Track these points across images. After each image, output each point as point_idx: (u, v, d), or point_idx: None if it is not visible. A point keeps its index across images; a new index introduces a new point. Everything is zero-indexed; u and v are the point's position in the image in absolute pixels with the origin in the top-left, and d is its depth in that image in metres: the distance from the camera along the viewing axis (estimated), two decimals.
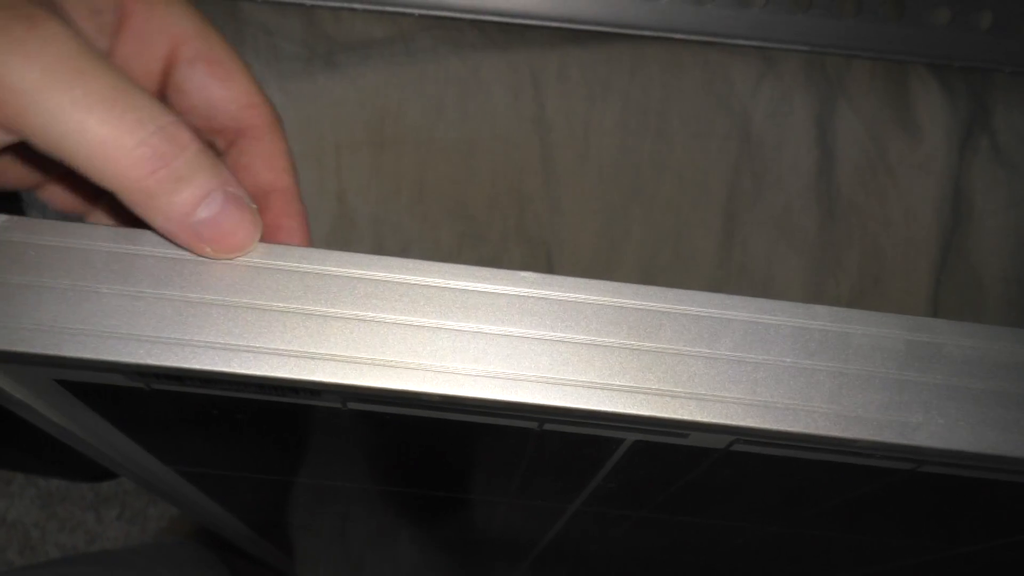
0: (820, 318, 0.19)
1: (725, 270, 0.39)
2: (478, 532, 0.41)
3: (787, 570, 0.41)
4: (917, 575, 0.37)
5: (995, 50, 0.40)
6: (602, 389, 0.18)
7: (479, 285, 0.18)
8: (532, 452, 0.23)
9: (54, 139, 0.17)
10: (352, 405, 0.20)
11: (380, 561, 0.57)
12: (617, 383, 0.18)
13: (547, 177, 0.37)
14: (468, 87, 0.36)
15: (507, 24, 0.37)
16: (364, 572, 0.63)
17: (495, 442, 0.23)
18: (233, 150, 0.22)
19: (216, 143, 0.22)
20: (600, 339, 0.18)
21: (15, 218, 0.18)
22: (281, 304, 0.18)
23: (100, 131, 0.17)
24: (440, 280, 0.18)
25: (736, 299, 0.19)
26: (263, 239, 0.19)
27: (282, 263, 0.18)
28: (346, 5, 0.36)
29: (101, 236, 0.18)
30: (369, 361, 0.18)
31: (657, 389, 0.18)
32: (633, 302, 0.19)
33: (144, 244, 0.18)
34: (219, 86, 0.21)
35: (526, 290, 0.18)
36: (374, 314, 0.18)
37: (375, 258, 0.18)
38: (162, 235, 0.19)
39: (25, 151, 0.20)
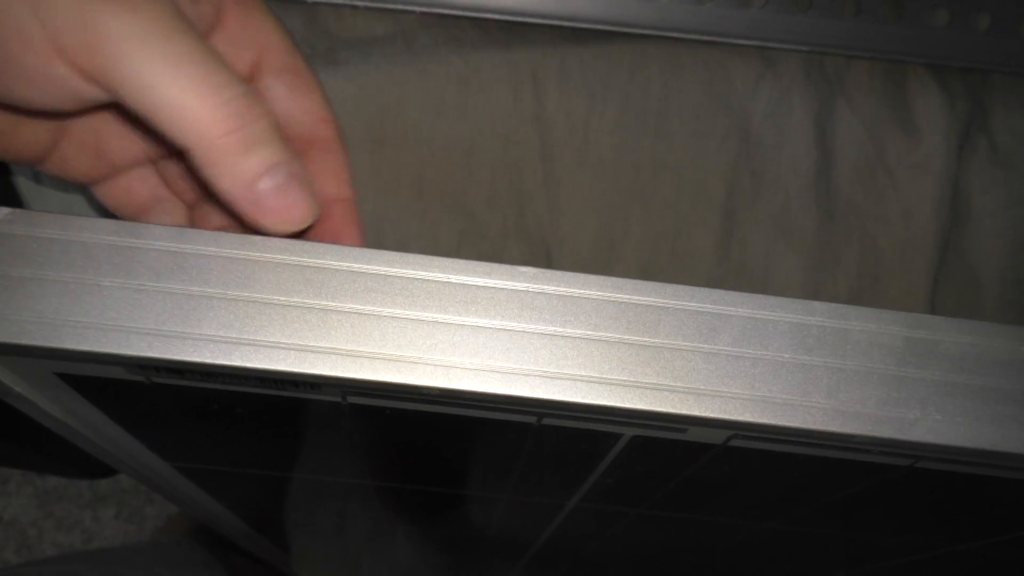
0: (818, 314, 0.19)
1: (724, 269, 0.39)
2: (476, 529, 0.41)
3: (785, 568, 0.41)
4: (914, 572, 0.37)
5: (993, 51, 0.40)
6: (601, 383, 0.18)
7: (478, 280, 0.18)
8: (531, 447, 0.23)
9: (141, 91, 0.18)
10: (352, 399, 0.20)
11: (378, 558, 0.57)
12: (616, 378, 0.18)
13: (547, 175, 0.38)
14: (468, 85, 0.36)
15: (508, 23, 0.37)
16: (362, 569, 0.63)
17: (494, 437, 0.23)
18: (308, 160, 0.23)
19: None
20: (599, 334, 0.18)
21: (17, 211, 0.18)
22: (281, 298, 0.18)
23: (187, 87, 0.18)
24: (440, 275, 0.18)
25: (734, 295, 0.19)
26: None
27: (283, 257, 0.18)
28: (348, 2, 0.36)
29: (102, 229, 0.18)
30: (369, 355, 0.18)
31: (655, 384, 0.18)
32: (632, 297, 0.19)
33: (145, 237, 0.18)
34: (300, 98, 0.23)
35: (525, 285, 0.19)
36: (374, 308, 0.18)
37: (375, 252, 0.19)
38: (226, 200, 0.20)
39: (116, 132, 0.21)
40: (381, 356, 0.18)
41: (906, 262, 0.40)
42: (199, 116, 0.18)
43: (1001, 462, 0.20)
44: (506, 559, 0.49)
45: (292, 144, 0.23)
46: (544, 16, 0.37)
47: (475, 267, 0.19)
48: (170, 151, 0.24)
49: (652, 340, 0.18)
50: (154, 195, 0.26)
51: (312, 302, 0.18)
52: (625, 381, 0.18)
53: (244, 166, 0.19)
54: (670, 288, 0.19)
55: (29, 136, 0.23)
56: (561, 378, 0.18)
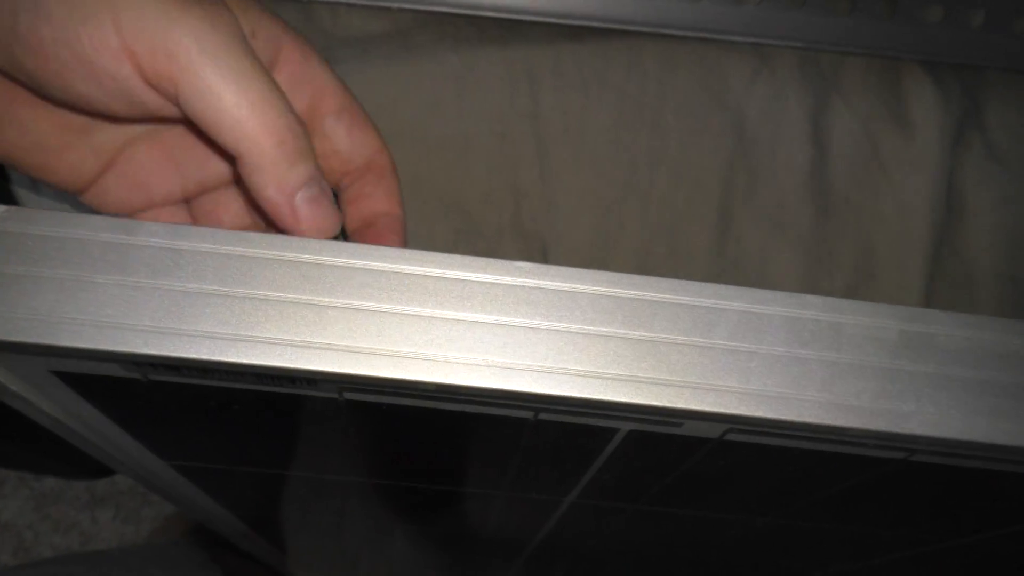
0: (813, 308, 0.19)
1: (719, 265, 0.39)
2: (474, 526, 0.41)
3: (781, 563, 0.41)
4: (910, 567, 0.37)
5: (987, 47, 0.40)
6: (597, 378, 0.18)
7: (475, 275, 0.19)
8: (527, 443, 0.23)
9: (208, 99, 0.20)
10: (348, 395, 0.20)
11: (376, 557, 0.57)
12: (612, 372, 0.18)
13: (542, 172, 0.38)
14: (464, 83, 0.36)
15: (504, 20, 0.37)
16: (360, 569, 0.63)
17: (491, 433, 0.23)
18: (359, 183, 0.26)
19: (341, 183, 0.27)
20: (595, 328, 0.18)
21: (12, 208, 0.18)
22: (278, 294, 0.18)
23: (250, 100, 0.20)
24: (436, 270, 0.19)
25: (730, 289, 0.19)
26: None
27: (279, 254, 0.18)
28: (343, 0, 0.36)
29: (98, 226, 0.18)
30: (365, 350, 0.18)
31: (651, 378, 0.18)
32: (628, 292, 0.19)
33: (141, 234, 0.18)
34: (359, 135, 0.26)
35: (521, 280, 0.19)
36: (371, 304, 0.18)
37: (371, 248, 0.19)
38: (268, 207, 0.22)
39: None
40: (377, 352, 0.18)
41: (901, 258, 0.40)
42: (257, 126, 0.21)
43: (996, 455, 0.20)
44: (504, 556, 0.49)
45: (350, 176, 0.26)
46: (540, 13, 0.37)
47: (471, 262, 0.19)
48: (206, 188, 0.27)
49: (648, 334, 0.18)
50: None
51: (308, 298, 0.18)
52: (621, 375, 0.18)
53: (289, 175, 0.21)
54: (666, 283, 0.19)
55: (76, 162, 0.25)
56: (558, 373, 0.18)
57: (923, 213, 0.40)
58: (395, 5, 0.37)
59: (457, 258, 0.19)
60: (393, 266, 0.18)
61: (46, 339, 0.17)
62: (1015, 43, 0.40)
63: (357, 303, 0.18)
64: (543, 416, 0.20)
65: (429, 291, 0.18)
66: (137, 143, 0.26)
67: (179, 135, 0.26)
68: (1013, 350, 0.19)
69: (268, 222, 0.24)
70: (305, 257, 0.18)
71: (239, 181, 0.26)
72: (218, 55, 0.20)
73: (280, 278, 0.18)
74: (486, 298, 0.18)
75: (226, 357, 0.17)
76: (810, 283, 0.40)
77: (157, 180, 0.26)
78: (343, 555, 0.59)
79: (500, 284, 0.18)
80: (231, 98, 0.20)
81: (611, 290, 0.19)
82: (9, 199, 0.36)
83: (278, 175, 0.21)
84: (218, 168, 0.26)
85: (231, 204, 0.27)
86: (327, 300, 0.18)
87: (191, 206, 0.28)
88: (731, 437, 0.20)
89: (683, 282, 0.19)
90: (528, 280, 0.19)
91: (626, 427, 0.21)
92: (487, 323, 0.18)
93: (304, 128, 0.22)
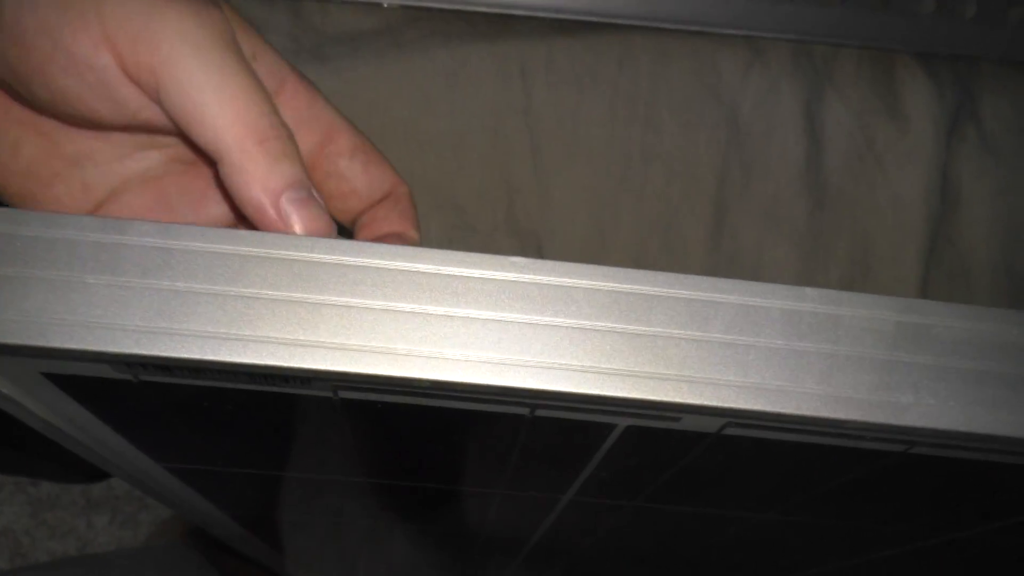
0: (810, 300, 0.19)
1: (715, 259, 0.39)
2: (472, 526, 0.41)
3: (780, 561, 0.41)
4: (911, 561, 0.37)
5: (980, 38, 0.40)
6: (594, 373, 0.18)
7: (469, 271, 0.18)
8: (524, 440, 0.23)
9: (188, 92, 0.20)
10: (343, 394, 0.20)
11: (374, 558, 0.57)
12: (608, 367, 0.18)
13: (536, 168, 0.37)
14: (456, 79, 0.36)
15: (495, 15, 0.37)
16: (358, 570, 0.63)
17: (487, 430, 0.23)
18: (373, 209, 0.26)
19: (360, 220, 0.27)
20: (591, 323, 0.18)
21: (1, 209, 0.18)
22: (270, 292, 0.18)
23: (232, 95, 0.20)
24: (430, 266, 0.18)
25: (726, 282, 0.19)
26: None
27: (270, 251, 0.18)
28: None
29: (87, 226, 0.18)
30: (359, 348, 0.18)
31: (649, 372, 0.18)
32: (624, 286, 0.18)
33: (131, 234, 0.18)
34: (375, 171, 0.26)
35: (516, 275, 0.18)
36: (363, 301, 0.18)
37: (364, 245, 0.18)
38: (251, 210, 0.21)
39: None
40: (371, 349, 0.18)
41: (897, 250, 0.40)
42: (237, 122, 0.20)
43: (996, 446, 0.20)
44: (503, 555, 0.49)
45: (368, 210, 0.26)
46: (531, 8, 0.37)
47: (465, 258, 0.18)
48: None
49: (644, 328, 0.18)
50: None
51: (301, 296, 0.18)
52: (618, 370, 0.18)
53: (273, 175, 0.21)
54: (662, 276, 0.19)
55: (63, 195, 0.24)
56: (554, 368, 0.18)
57: (918, 205, 0.40)
58: (385, 2, 0.37)
59: (451, 254, 0.18)
60: (386, 263, 0.18)
61: (36, 340, 0.17)
62: (1008, 34, 0.40)
63: (350, 300, 0.18)
64: (540, 412, 0.20)
65: (423, 287, 0.18)
66: (129, 187, 0.25)
67: (173, 181, 0.26)
68: (1011, 340, 0.19)
69: None
70: (297, 255, 0.18)
71: (224, 191, 0.25)
72: (200, 47, 0.20)
73: (272, 276, 0.18)
74: (481, 294, 0.18)
75: (218, 356, 0.17)
76: (806, 276, 0.40)
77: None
78: (341, 555, 0.59)
79: (495, 279, 0.18)
80: (212, 92, 0.20)
81: (607, 284, 0.18)
82: None
83: (261, 175, 0.20)
84: (212, 214, 0.26)
85: None
86: (320, 298, 0.18)
87: None
88: (729, 431, 0.20)
89: (679, 276, 0.19)
90: (523, 275, 0.18)
91: (624, 423, 0.20)
92: (482, 319, 0.18)
93: (290, 132, 0.21)
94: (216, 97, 0.20)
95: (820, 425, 0.19)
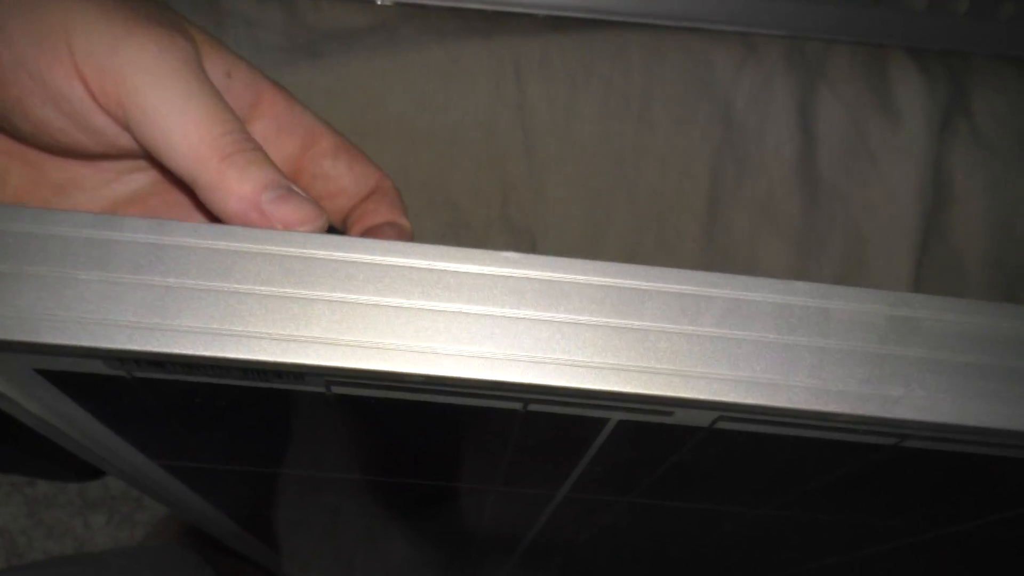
0: (801, 294, 0.19)
1: (709, 255, 0.39)
2: (467, 523, 0.41)
3: (777, 557, 0.42)
4: (906, 556, 0.37)
5: (973, 34, 0.40)
6: (586, 367, 0.18)
7: (462, 266, 0.18)
8: (518, 435, 0.23)
9: (154, 120, 0.20)
10: (336, 389, 0.20)
11: (370, 556, 0.57)
12: (601, 361, 0.18)
13: (530, 164, 0.37)
14: (450, 75, 0.36)
15: (488, 12, 0.37)
16: (355, 568, 0.63)
17: (481, 426, 0.23)
18: (364, 202, 0.27)
19: (349, 218, 0.27)
20: (583, 318, 0.18)
21: None
22: (262, 287, 0.18)
23: (195, 119, 0.20)
24: (423, 261, 0.18)
25: (718, 276, 0.19)
26: None
27: (262, 247, 0.18)
28: None
29: (80, 222, 0.18)
30: (352, 343, 0.18)
31: (641, 366, 0.18)
32: (615, 281, 0.19)
33: (123, 230, 0.18)
34: (358, 168, 0.26)
35: (509, 270, 0.18)
36: (356, 296, 0.18)
37: (357, 240, 0.18)
38: (238, 223, 0.21)
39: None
40: (364, 344, 0.18)
41: (890, 245, 0.40)
42: (201, 144, 0.20)
43: (987, 438, 0.20)
44: (499, 552, 0.49)
45: (357, 206, 0.27)
46: (525, 5, 0.37)
47: (457, 253, 0.18)
48: None
49: (637, 323, 0.18)
50: None
51: (293, 291, 0.18)
52: (610, 364, 0.18)
53: (244, 183, 0.21)
54: (654, 271, 0.19)
55: None
56: (546, 362, 0.18)
57: (911, 200, 0.40)
58: None
59: (444, 249, 0.18)
60: (378, 258, 0.18)
61: (28, 336, 0.17)
62: (1000, 29, 0.40)
63: (343, 296, 0.18)
64: (533, 407, 0.20)
65: (416, 282, 0.18)
66: (118, 209, 0.25)
67: (162, 199, 0.26)
68: (1001, 333, 0.19)
69: None
70: (289, 250, 0.18)
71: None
72: (162, 76, 0.20)
73: (264, 271, 0.18)
74: (473, 288, 0.18)
75: (210, 352, 0.17)
76: (799, 272, 0.40)
77: None
78: (337, 553, 0.59)
79: (487, 274, 0.18)
80: (175, 118, 0.20)
81: (599, 279, 0.19)
82: None
83: (234, 187, 0.21)
84: None
85: None
86: (312, 293, 0.18)
87: None
88: (721, 425, 0.20)
89: (671, 270, 0.19)
90: (516, 270, 0.18)
91: (616, 417, 0.20)
92: (475, 314, 0.18)
93: (256, 143, 0.22)
94: (179, 123, 0.20)
95: (812, 418, 0.19)
